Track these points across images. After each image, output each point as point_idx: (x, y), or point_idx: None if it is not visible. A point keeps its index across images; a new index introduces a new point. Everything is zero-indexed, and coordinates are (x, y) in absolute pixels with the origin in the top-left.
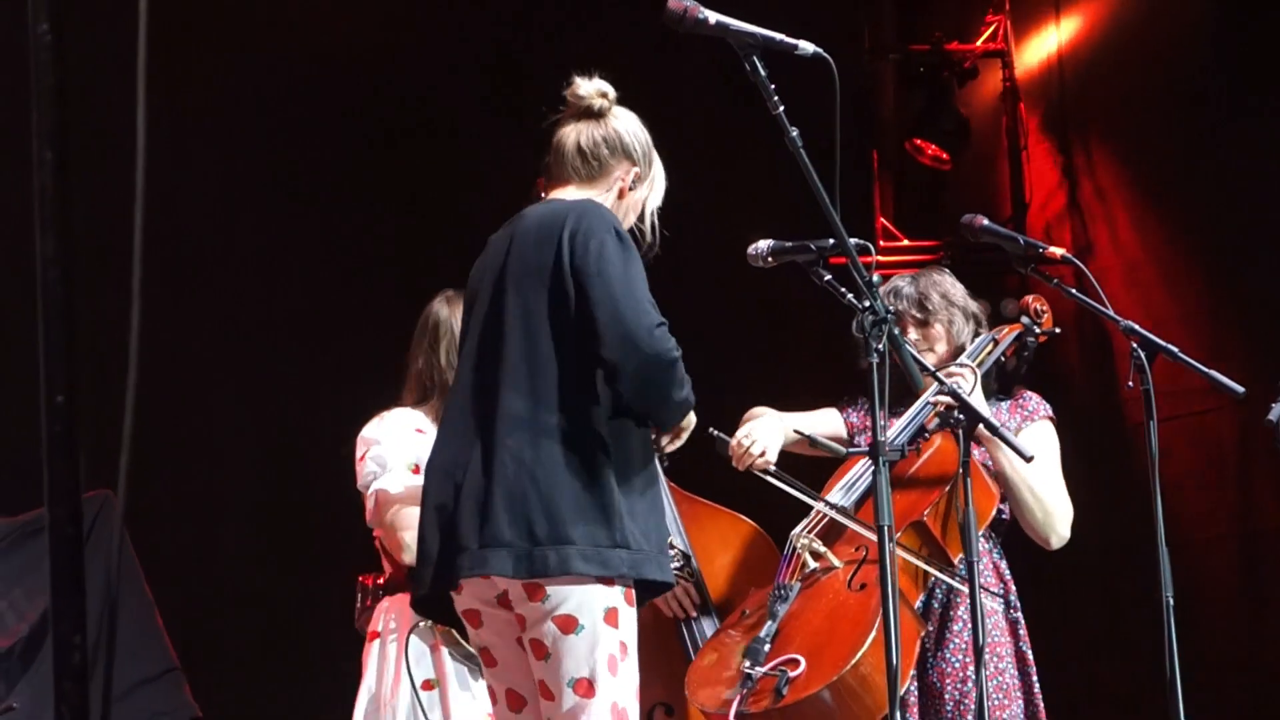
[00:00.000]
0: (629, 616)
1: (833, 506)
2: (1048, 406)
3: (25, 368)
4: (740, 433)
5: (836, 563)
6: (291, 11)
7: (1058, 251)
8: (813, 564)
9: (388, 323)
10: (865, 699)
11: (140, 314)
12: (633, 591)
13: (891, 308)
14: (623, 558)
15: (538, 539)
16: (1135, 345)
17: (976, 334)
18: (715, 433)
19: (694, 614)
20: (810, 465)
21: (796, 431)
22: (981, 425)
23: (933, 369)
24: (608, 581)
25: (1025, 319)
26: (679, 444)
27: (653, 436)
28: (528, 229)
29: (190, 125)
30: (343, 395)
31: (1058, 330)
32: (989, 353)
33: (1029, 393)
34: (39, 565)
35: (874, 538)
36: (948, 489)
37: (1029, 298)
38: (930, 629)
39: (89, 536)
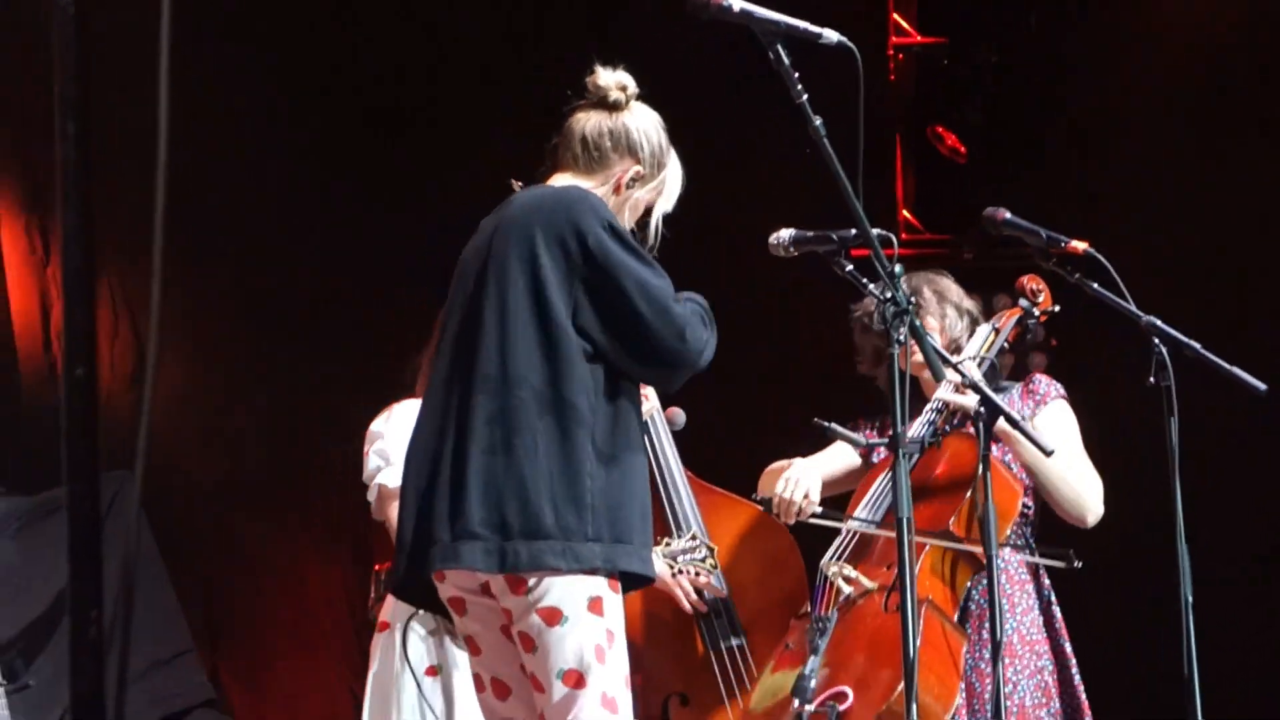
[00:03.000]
0: (614, 604)
1: (861, 522)
2: (1058, 386)
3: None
4: (778, 486)
5: (869, 585)
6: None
7: (1080, 245)
8: (846, 589)
9: (414, 312)
10: None
11: (160, 296)
12: (617, 579)
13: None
14: (596, 551)
15: (510, 531)
16: (1157, 341)
17: (973, 331)
18: (758, 495)
19: (708, 607)
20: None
21: (815, 421)
22: (1002, 419)
23: (954, 361)
24: (588, 571)
25: (1023, 301)
26: None
27: None
28: (513, 214)
29: (213, 112)
30: (366, 381)
31: (1057, 309)
32: (991, 343)
33: (1039, 375)
34: (57, 543)
35: (927, 539)
36: (969, 493)
37: (1024, 278)
38: (969, 635)
39: (107, 515)
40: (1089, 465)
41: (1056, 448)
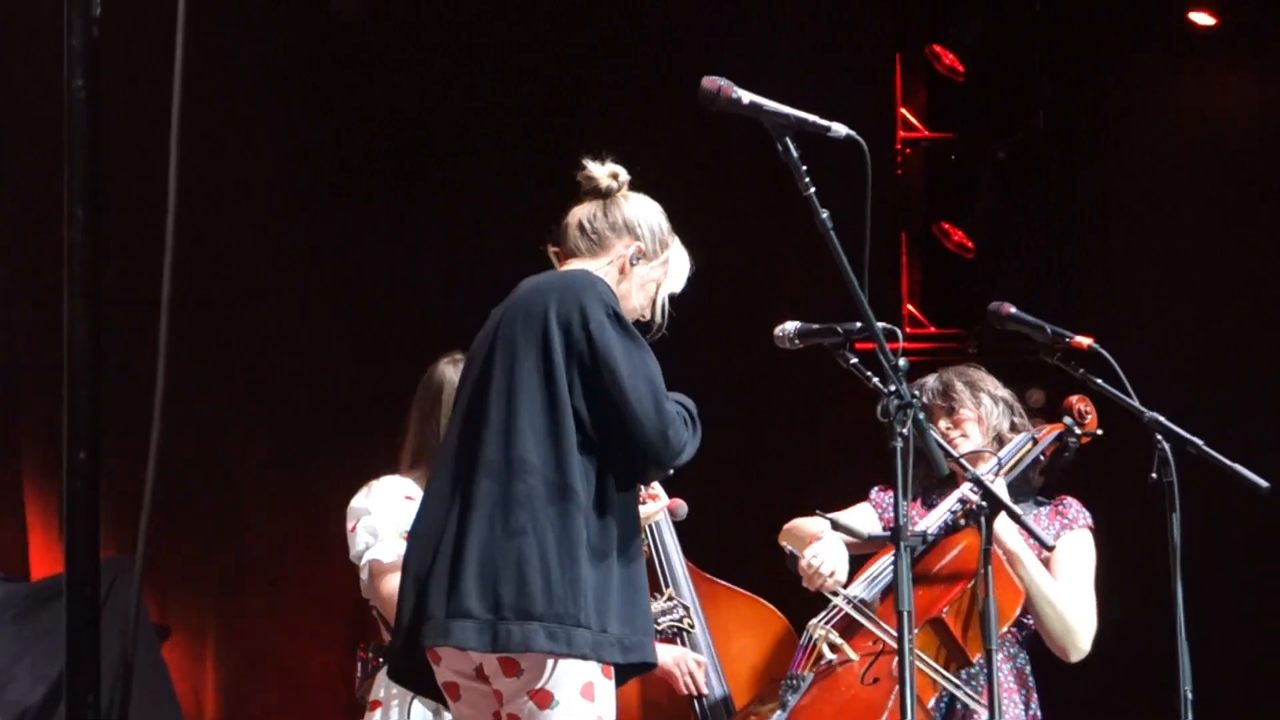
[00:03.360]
0: (606, 690)
1: (855, 602)
2: (1088, 515)
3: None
4: (809, 553)
5: (853, 655)
6: (340, 71)
7: (1084, 341)
8: (829, 655)
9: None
10: None
11: (165, 372)
12: (611, 667)
13: (919, 398)
14: (585, 638)
15: (503, 612)
16: (1159, 437)
17: (1014, 424)
18: (788, 548)
19: (706, 692)
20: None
21: (817, 512)
22: (998, 529)
23: (957, 455)
24: (580, 656)
25: (1068, 419)
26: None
27: None
28: (520, 300)
29: (224, 175)
30: (372, 464)
31: (1100, 433)
32: (1028, 451)
33: (1069, 499)
34: (56, 628)
35: (891, 638)
36: (970, 585)
37: (1073, 398)
38: None
39: (106, 599)
40: (1090, 602)
41: (1057, 554)
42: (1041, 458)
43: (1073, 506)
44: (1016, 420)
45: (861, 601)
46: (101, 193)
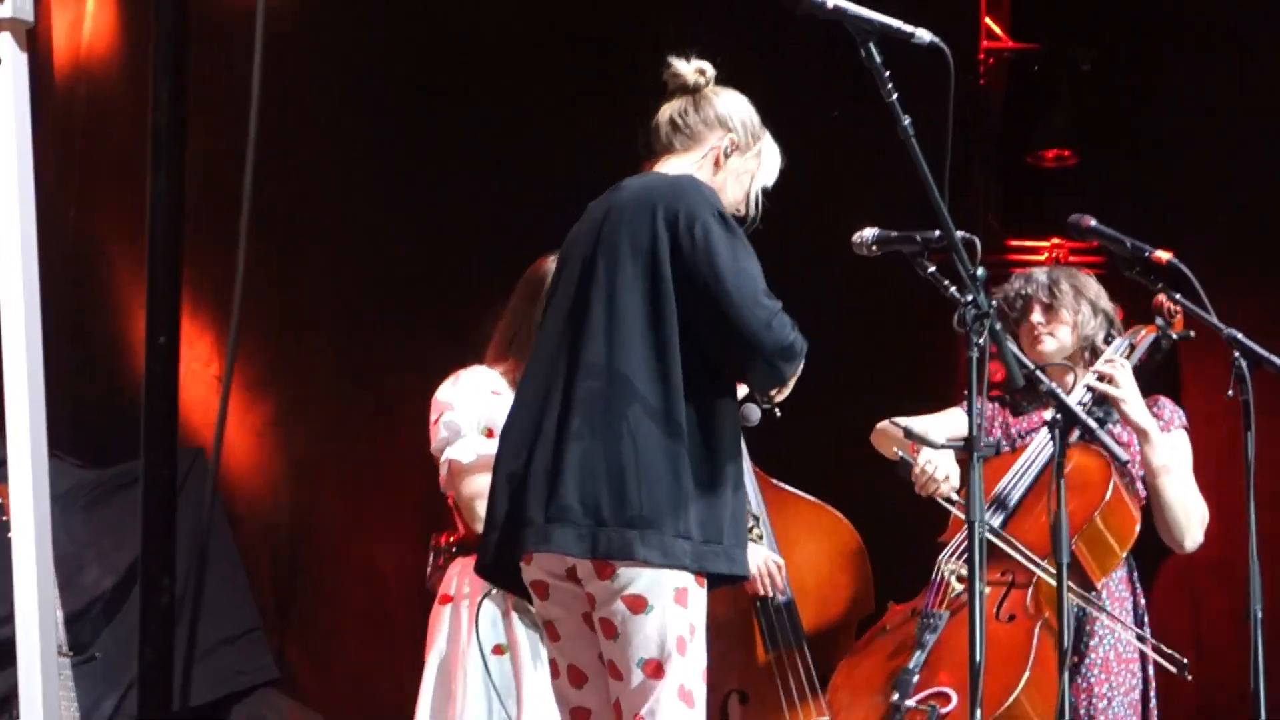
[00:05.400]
0: (699, 597)
1: (1000, 536)
2: (1182, 415)
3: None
4: (922, 459)
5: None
6: None
7: (1164, 256)
8: (959, 588)
9: (494, 288)
10: None
11: (244, 275)
12: (704, 575)
13: (1023, 292)
14: (685, 549)
15: (603, 518)
16: (1237, 354)
17: (1109, 335)
18: (900, 454)
19: (772, 595)
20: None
21: (892, 423)
22: (1129, 409)
23: (1033, 366)
24: (677, 567)
25: (1159, 320)
26: (785, 394)
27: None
28: (625, 201)
29: (306, 84)
30: (440, 358)
31: (1192, 334)
32: (1125, 357)
33: (1163, 399)
34: (128, 517)
35: (1037, 570)
36: (1095, 514)
37: (1161, 297)
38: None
39: (180, 489)
40: (1198, 494)
41: (1166, 464)
42: (1138, 363)
43: (1166, 407)
44: (1113, 333)
45: (1006, 539)
46: (186, 78)
